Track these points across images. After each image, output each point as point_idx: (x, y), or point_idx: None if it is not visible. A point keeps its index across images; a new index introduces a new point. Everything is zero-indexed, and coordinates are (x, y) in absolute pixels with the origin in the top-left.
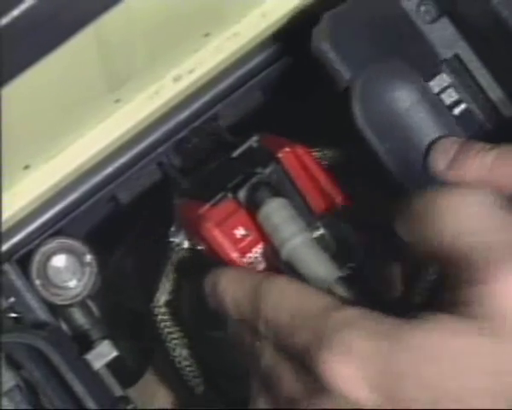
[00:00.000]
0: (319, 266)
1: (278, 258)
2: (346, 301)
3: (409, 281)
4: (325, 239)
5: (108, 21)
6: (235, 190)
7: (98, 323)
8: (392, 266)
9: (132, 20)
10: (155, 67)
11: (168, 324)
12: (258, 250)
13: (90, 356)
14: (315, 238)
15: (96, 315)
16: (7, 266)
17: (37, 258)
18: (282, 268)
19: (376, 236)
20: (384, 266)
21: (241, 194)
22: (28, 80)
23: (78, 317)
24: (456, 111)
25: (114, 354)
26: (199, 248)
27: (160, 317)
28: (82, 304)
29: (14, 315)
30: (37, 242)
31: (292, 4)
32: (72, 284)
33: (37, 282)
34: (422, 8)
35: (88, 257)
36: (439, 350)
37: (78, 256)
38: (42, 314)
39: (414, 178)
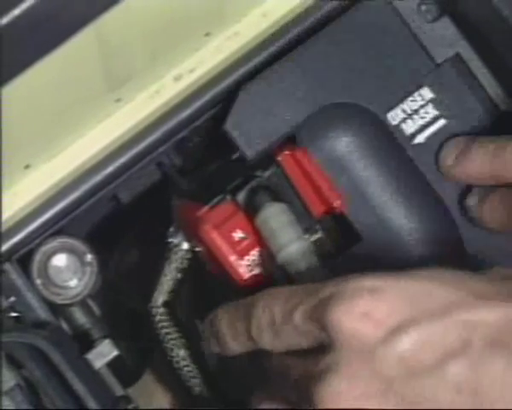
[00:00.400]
0: (313, 275)
1: (274, 263)
2: None
3: None
4: (324, 242)
5: (108, 21)
6: (234, 192)
7: (99, 322)
8: None
9: (132, 20)
10: (156, 67)
11: (166, 324)
12: (255, 253)
13: (90, 355)
14: (313, 241)
15: (96, 314)
16: (7, 266)
17: (38, 257)
18: (276, 273)
19: None
20: None
21: (240, 196)
22: (28, 80)
23: (79, 316)
24: (432, 128)
25: (115, 353)
26: (197, 249)
27: (158, 317)
28: (82, 303)
29: (14, 315)
30: (37, 241)
31: (292, 4)
32: (73, 283)
33: (38, 281)
34: (423, 8)
35: (88, 256)
36: None
37: (79, 256)
38: (42, 314)
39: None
